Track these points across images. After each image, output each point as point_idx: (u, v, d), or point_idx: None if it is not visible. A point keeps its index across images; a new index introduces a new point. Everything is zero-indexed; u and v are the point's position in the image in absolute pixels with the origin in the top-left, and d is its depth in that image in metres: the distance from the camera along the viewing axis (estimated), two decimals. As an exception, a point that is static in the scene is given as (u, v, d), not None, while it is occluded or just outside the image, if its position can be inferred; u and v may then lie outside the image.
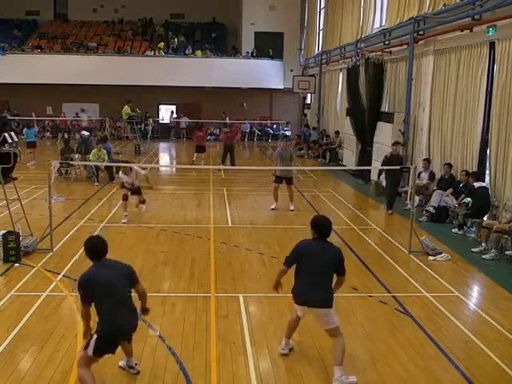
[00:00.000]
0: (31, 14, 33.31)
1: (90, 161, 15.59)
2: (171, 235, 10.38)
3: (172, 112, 30.38)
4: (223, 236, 10.41)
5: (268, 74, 29.41)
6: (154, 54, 29.12)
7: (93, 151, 15.85)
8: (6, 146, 8.94)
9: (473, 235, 10.62)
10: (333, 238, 10.42)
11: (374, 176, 16.06)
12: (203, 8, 32.25)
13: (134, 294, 5.05)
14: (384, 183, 13.71)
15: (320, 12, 27.19)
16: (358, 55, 18.26)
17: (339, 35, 22.41)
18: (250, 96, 30.09)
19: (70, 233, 10.25)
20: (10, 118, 27.52)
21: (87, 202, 13.16)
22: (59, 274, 7.98)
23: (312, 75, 27.52)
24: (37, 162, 18.45)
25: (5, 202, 8.93)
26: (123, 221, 11.12)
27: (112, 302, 4.75)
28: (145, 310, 5.20)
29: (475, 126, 11.52)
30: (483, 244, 9.59)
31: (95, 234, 5.43)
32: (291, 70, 29.58)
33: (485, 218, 10.47)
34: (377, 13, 18.29)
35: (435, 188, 12.37)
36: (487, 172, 11.32)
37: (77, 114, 28.90)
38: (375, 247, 9.94)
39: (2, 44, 28.58)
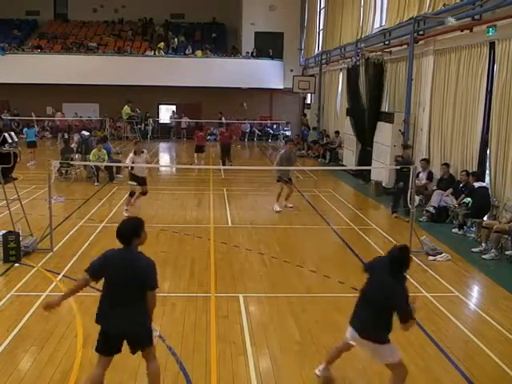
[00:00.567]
0: (31, 14, 33.30)
1: (90, 161, 15.60)
2: (171, 235, 10.38)
3: (173, 112, 30.40)
4: (223, 236, 10.41)
5: (268, 73, 29.40)
6: (154, 53, 29.13)
7: (93, 151, 15.86)
8: (6, 145, 8.95)
9: (473, 235, 10.61)
10: (333, 239, 10.53)
11: (374, 176, 16.08)
12: (203, 8, 32.25)
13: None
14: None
15: (320, 12, 27.19)
16: (358, 55, 18.26)
17: (339, 35, 22.41)
18: (250, 96, 30.08)
19: (70, 233, 10.25)
20: (9, 118, 27.71)
21: (87, 202, 13.16)
22: (59, 274, 7.97)
23: (312, 75, 27.52)
24: (37, 162, 18.45)
25: (5, 202, 8.93)
26: (125, 214, 11.17)
27: (113, 296, 4.45)
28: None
29: (475, 126, 11.52)
30: (483, 244, 9.59)
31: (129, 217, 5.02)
32: (291, 70, 29.58)
33: (485, 218, 10.47)
34: (377, 13, 18.29)
35: (435, 188, 12.38)
36: (487, 172, 11.32)
37: (52, 112, 28.61)
38: (375, 247, 9.93)
39: (2, 44, 28.58)
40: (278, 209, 12.50)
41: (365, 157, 16.97)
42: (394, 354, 4.75)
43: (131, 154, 11.91)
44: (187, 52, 29.81)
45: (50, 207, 9.03)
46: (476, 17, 11.12)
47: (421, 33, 14.07)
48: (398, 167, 11.70)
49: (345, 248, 9.89)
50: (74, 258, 8.71)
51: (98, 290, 7.32)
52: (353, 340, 4.90)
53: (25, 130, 20.53)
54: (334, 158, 21.39)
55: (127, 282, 4.38)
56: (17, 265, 8.30)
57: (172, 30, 32.59)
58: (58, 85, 27.35)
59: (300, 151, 23.48)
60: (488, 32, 10.75)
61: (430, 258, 9.17)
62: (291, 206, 12.88)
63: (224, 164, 18.89)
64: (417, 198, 12.12)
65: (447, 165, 12.23)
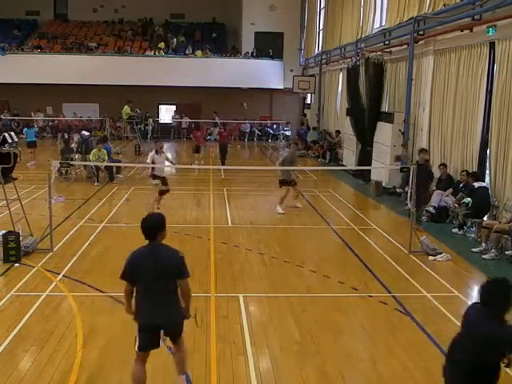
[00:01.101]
0: (31, 14, 33.28)
1: (90, 161, 15.60)
2: (171, 235, 10.23)
3: (174, 112, 30.40)
4: (223, 236, 10.41)
5: (268, 73, 29.39)
6: (154, 54, 29.12)
7: (93, 151, 15.86)
8: (6, 145, 8.95)
9: (473, 235, 10.61)
10: (333, 239, 10.53)
11: (374, 176, 16.08)
12: (203, 8, 32.24)
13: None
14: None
15: (320, 12, 27.18)
16: (358, 55, 18.26)
17: (339, 35, 22.41)
18: (250, 96, 30.07)
19: (70, 233, 10.25)
20: (9, 118, 27.71)
21: (87, 202, 13.16)
22: (59, 274, 7.98)
23: (312, 75, 27.52)
24: (37, 162, 18.45)
25: (5, 202, 8.93)
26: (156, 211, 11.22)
27: (148, 291, 4.58)
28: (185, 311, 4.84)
29: (475, 126, 11.52)
30: (483, 244, 9.59)
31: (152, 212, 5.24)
32: (291, 70, 29.57)
33: (485, 218, 10.46)
34: (377, 13, 18.29)
35: (435, 188, 12.38)
36: (487, 172, 11.32)
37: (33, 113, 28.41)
38: (375, 247, 9.94)
39: (2, 44, 28.58)
40: (281, 211, 12.40)
41: (365, 157, 16.96)
42: None
43: (152, 153, 11.97)
44: (187, 52, 29.80)
45: (50, 207, 9.03)
46: (476, 17, 11.12)
47: (421, 33, 14.07)
48: (398, 167, 11.69)
49: (345, 248, 9.89)
50: (74, 258, 8.71)
51: (97, 289, 7.39)
52: None
53: (24, 130, 20.53)
54: (334, 158, 21.39)
55: (159, 274, 4.53)
56: (17, 265, 8.30)
57: (172, 30, 32.59)
58: (57, 85, 27.35)
59: (300, 151, 23.48)
60: (488, 32, 10.74)
61: (430, 258, 9.17)
62: (300, 205, 12.90)
63: (223, 164, 18.93)
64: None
65: (445, 165, 12.28)
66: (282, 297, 7.38)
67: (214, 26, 33.69)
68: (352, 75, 17.88)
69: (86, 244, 9.55)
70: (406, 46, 15.01)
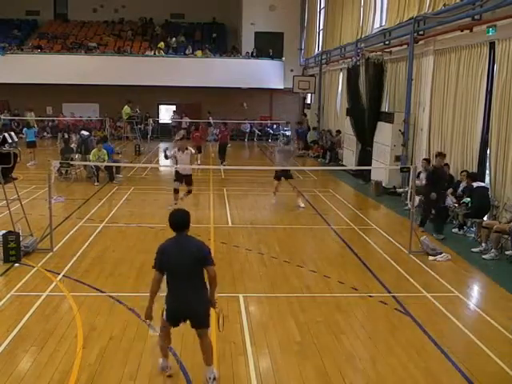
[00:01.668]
0: (31, 14, 33.28)
1: (90, 161, 15.60)
2: (171, 235, 10.33)
3: (174, 112, 30.39)
4: (223, 236, 10.41)
5: (268, 73, 29.39)
6: (154, 54, 29.12)
7: (93, 151, 15.86)
8: (6, 145, 8.94)
9: (473, 235, 10.61)
10: (333, 239, 10.53)
11: (374, 176, 16.08)
12: (203, 8, 32.25)
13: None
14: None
15: (320, 12, 27.18)
16: (358, 55, 18.25)
17: (339, 35, 22.41)
18: (250, 96, 30.08)
19: (70, 233, 10.25)
20: (9, 118, 27.69)
21: (87, 202, 13.16)
22: (59, 274, 7.98)
23: (312, 75, 27.52)
24: (37, 162, 18.45)
25: (5, 202, 8.93)
26: (169, 207, 11.16)
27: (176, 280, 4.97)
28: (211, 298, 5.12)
29: (475, 126, 11.52)
30: (483, 244, 9.59)
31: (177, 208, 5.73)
32: (291, 70, 29.57)
33: (485, 218, 10.47)
34: (377, 13, 18.29)
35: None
36: (487, 172, 11.32)
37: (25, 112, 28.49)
38: (375, 247, 9.94)
39: (2, 44, 28.57)
40: (302, 205, 12.94)
41: (365, 157, 16.97)
42: None
43: (175, 150, 11.98)
44: (187, 52, 29.80)
45: (50, 207, 9.03)
46: (476, 17, 11.12)
47: (421, 33, 14.07)
48: (398, 167, 11.68)
49: (345, 248, 9.89)
50: (74, 258, 8.71)
51: (97, 289, 7.39)
52: None
53: (24, 129, 20.52)
54: (334, 158, 21.39)
55: (187, 263, 4.93)
56: (17, 265, 8.30)
57: (172, 30, 32.59)
58: (57, 85, 27.34)
59: (299, 151, 23.46)
60: (488, 32, 10.74)
61: (430, 258, 9.17)
62: (303, 205, 13.00)
63: (222, 162, 18.98)
64: (417, 198, 12.11)
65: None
66: (282, 297, 7.38)
67: (213, 25, 33.69)
68: (352, 75, 17.88)
69: (86, 244, 9.55)
70: (405, 46, 15.01)
